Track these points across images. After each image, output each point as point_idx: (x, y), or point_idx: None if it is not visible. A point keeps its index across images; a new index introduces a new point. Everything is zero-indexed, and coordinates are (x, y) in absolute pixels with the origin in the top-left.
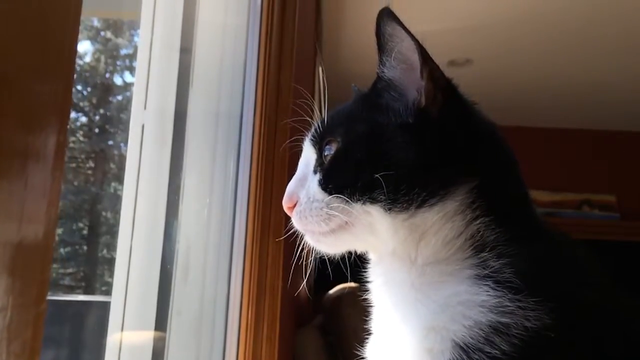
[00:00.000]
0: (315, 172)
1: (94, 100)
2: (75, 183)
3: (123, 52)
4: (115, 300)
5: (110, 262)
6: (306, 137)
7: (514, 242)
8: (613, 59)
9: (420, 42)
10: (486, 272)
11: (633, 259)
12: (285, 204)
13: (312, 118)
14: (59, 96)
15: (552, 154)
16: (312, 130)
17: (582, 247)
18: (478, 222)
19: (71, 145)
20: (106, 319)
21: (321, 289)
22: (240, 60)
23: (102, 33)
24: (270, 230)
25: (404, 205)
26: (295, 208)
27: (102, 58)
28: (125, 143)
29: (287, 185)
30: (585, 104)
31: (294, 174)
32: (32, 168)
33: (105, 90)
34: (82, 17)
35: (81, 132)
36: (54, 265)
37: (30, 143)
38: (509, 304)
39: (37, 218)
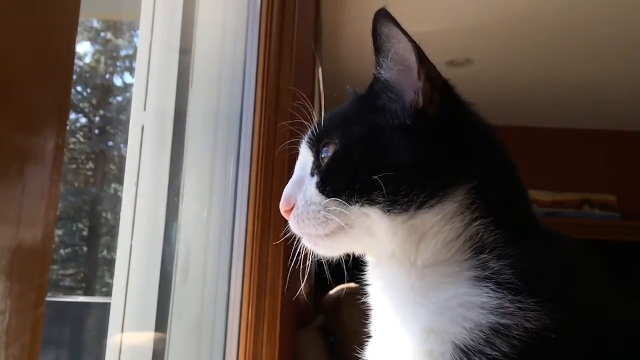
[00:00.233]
0: (312, 175)
1: (94, 102)
2: (76, 184)
3: (123, 53)
4: (116, 301)
5: (111, 263)
6: (303, 140)
7: (513, 243)
8: (613, 59)
9: (417, 43)
10: (486, 273)
11: (633, 258)
12: (283, 207)
13: (310, 120)
14: (58, 99)
15: (553, 154)
16: (309, 133)
17: (580, 247)
18: (477, 223)
19: (71, 146)
20: (106, 320)
21: (321, 290)
22: (240, 61)
23: (102, 34)
24: (271, 231)
25: (404, 207)
26: (292, 212)
27: (103, 59)
28: (126, 144)
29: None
30: (586, 104)
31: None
32: (30, 171)
33: (105, 91)
34: (83, 19)
35: (81, 134)
36: (55, 267)
37: (28, 146)
38: (509, 305)
39: (35, 221)
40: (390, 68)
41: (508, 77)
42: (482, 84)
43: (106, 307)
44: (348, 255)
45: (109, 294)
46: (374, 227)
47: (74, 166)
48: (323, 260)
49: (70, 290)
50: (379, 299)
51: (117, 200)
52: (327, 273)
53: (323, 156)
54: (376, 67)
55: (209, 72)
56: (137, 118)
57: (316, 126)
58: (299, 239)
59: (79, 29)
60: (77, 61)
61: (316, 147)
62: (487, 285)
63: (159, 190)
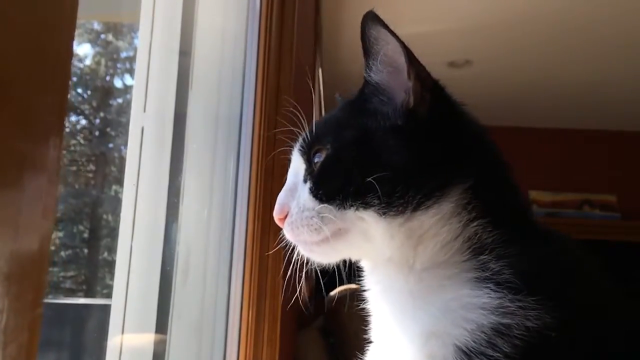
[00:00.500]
0: (305, 181)
1: (95, 103)
2: (76, 186)
3: (123, 54)
4: (116, 302)
5: (111, 265)
6: (294, 147)
7: (512, 243)
8: (613, 59)
9: (406, 44)
10: (486, 274)
11: (634, 258)
12: (277, 215)
13: (301, 127)
14: (55, 104)
15: (553, 154)
16: (300, 139)
17: (579, 247)
18: (475, 224)
19: (72, 148)
20: (107, 321)
21: (322, 291)
22: (239, 62)
23: (103, 36)
24: (271, 231)
25: (399, 209)
26: (286, 219)
27: (103, 61)
28: (126, 146)
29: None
30: (585, 104)
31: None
32: (27, 171)
33: (105, 93)
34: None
35: (82, 135)
36: (55, 269)
37: (26, 147)
38: (509, 304)
39: (33, 222)
40: (380, 70)
41: (508, 77)
42: (482, 85)
43: (106, 309)
44: (345, 262)
45: (109, 295)
46: (370, 230)
47: (74, 168)
48: (319, 268)
49: (71, 292)
50: (377, 304)
51: (117, 202)
52: (322, 280)
53: (315, 161)
54: (366, 70)
55: (209, 74)
56: (136, 119)
57: (307, 132)
58: (294, 247)
59: (80, 31)
60: (77, 63)
61: (308, 154)
62: (488, 285)
63: (158, 191)
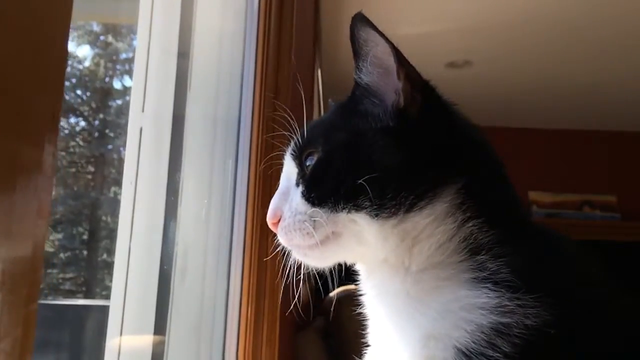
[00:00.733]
0: (297, 184)
1: (94, 105)
2: (75, 188)
3: (123, 56)
4: (114, 303)
5: (110, 266)
6: (286, 152)
7: (508, 242)
8: (613, 59)
9: (395, 45)
10: (484, 274)
11: (634, 259)
12: (270, 220)
13: (293, 131)
14: (50, 104)
15: (553, 155)
16: (292, 144)
17: (577, 246)
18: (470, 224)
19: (70, 150)
20: (105, 322)
21: (321, 292)
22: (238, 62)
23: (102, 37)
24: (270, 231)
25: (392, 210)
26: (279, 224)
27: (102, 62)
28: (125, 147)
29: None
30: (586, 105)
31: None
32: (21, 169)
33: (104, 94)
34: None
35: (81, 137)
36: (54, 271)
37: (21, 151)
38: (508, 303)
39: (28, 220)
40: (370, 72)
41: (508, 78)
42: (482, 85)
43: (105, 310)
44: (339, 265)
45: (108, 296)
46: (363, 233)
47: (73, 169)
48: (314, 272)
49: (70, 294)
50: (374, 309)
51: (116, 204)
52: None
53: (307, 164)
54: (356, 72)
55: (207, 75)
56: (135, 120)
57: (299, 137)
58: (289, 252)
59: (79, 32)
60: (76, 64)
61: (299, 158)
62: (486, 285)
63: (157, 191)
